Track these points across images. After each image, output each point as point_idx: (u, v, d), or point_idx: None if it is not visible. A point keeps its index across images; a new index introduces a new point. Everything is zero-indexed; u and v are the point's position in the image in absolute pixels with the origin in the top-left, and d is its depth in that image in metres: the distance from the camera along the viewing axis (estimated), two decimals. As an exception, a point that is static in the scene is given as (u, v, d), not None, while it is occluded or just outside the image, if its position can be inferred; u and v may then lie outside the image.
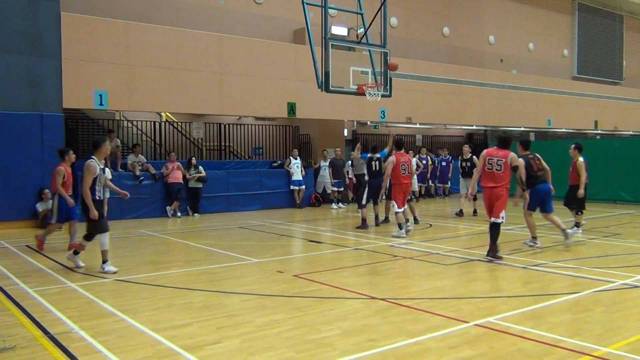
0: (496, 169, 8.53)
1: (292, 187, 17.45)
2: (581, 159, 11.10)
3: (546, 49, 29.55)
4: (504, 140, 8.89)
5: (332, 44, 12.83)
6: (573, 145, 11.32)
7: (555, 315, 5.56)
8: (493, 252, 8.50)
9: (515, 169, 8.62)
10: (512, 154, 8.67)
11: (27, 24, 13.24)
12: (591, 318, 5.47)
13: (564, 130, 27.46)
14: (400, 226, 11.08)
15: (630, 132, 29.99)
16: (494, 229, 8.53)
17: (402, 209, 11.20)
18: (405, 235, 11.01)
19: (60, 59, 13.65)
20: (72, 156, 9.88)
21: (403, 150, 11.72)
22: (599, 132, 28.60)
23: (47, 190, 13.07)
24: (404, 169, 11.23)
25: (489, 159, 8.60)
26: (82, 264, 8.19)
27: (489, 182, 8.58)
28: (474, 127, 25.08)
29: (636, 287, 6.71)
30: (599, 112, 27.96)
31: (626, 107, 29.55)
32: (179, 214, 15.13)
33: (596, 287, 6.69)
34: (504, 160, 8.51)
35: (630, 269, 7.70)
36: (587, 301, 6.09)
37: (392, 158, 11.34)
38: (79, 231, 9.24)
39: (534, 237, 9.59)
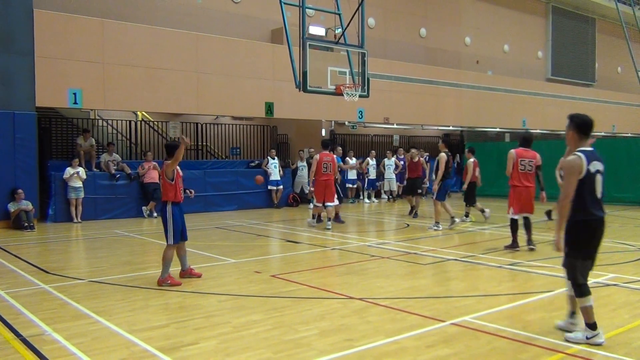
0: (528, 169, 9.27)
1: (269, 187, 17.40)
2: (471, 160, 13.14)
3: (521, 51, 29.97)
4: (529, 140, 9.53)
5: (309, 44, 12.84)
6: (467, 149, 13.34)
7: (530, 314, 5.64)
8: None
9: (539, 167, 9.45)
10: (538, 155, 9.48)
11: (-1, 20, 12.98)
12: (565, 316, 5.54)
13: (538, 131, 27.86)
14: (313, 216, 12.85)
15: (602, 133, 30.55)
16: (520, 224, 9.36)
17: (333, 204, 12.44)
18: (315, 225, 12.59)
19: (33, 57, 13.39)
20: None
21: (328, 150, 12.82)
22: (572, 133, 29.04)
23: (20, 190, 12.83)
24: (326, 167, 12.37)
25: (521, 160, 9.22)
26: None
27: (525, 182, 9.25)
28: (451, 128, 25.31)
29: (608, 285, 6.84)
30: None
31: (598, 108, 30.09)
32: (155, 214, 14.96)
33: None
34: (533, 160, 9.35)
35: (602, 268, 7.84)
36: (560, 300, 6.18)
37: (316, 156, 12.55)
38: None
39: (437, 222, 11.92)
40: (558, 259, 8.39)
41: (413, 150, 15.27)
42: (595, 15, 33.53)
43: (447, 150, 12.19)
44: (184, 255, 7.40)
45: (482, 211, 13.31)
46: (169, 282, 6.99)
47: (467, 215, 13.66)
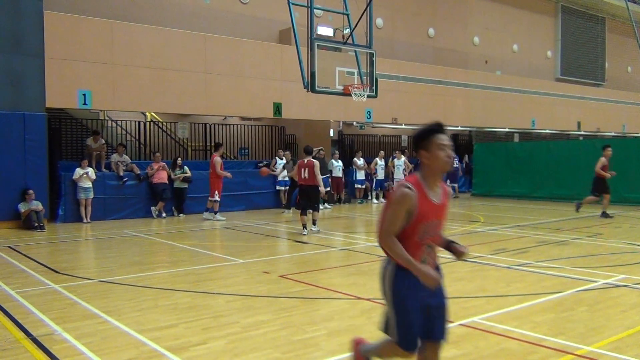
0: None
1: (278, 188, 17.41)
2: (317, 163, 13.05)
3: (530, 51, 29.83)
4: None
5: (318, 45, 12.86)
6: (304, 149, 14.15)
7: (539, 315, 5.61)
8: None
9: None
10: None
11: (9, 22, 13.06)
12: (574, 317, 5.52)
13: (547, 131, 27.72)
14: (215, 212, 14.57)
15: (612, 133, 30.36)
16: None
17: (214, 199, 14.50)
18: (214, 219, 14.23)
19: (43, 58, 13.49)
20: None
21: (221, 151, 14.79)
22: (582, 133, 28.93)
23: (30, 191, 12.92)
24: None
25: None
26: None
27: None
28: (459, 128, 25.22)
29: (618, 286, 6.80)
30: (581, 114, 28.27)
31: (608, 108, 29.90)
32: (163, 214, 15.03)
33: (579, 286, 6.76)
34: None
35: (612, 269, 7.80)
36: (570, 301, 6.16)
37: (216, 159, 14.24)
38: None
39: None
40: (566, 260, 8.37)
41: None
42: (605, 15, 33.29)
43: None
44: None
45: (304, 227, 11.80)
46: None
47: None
